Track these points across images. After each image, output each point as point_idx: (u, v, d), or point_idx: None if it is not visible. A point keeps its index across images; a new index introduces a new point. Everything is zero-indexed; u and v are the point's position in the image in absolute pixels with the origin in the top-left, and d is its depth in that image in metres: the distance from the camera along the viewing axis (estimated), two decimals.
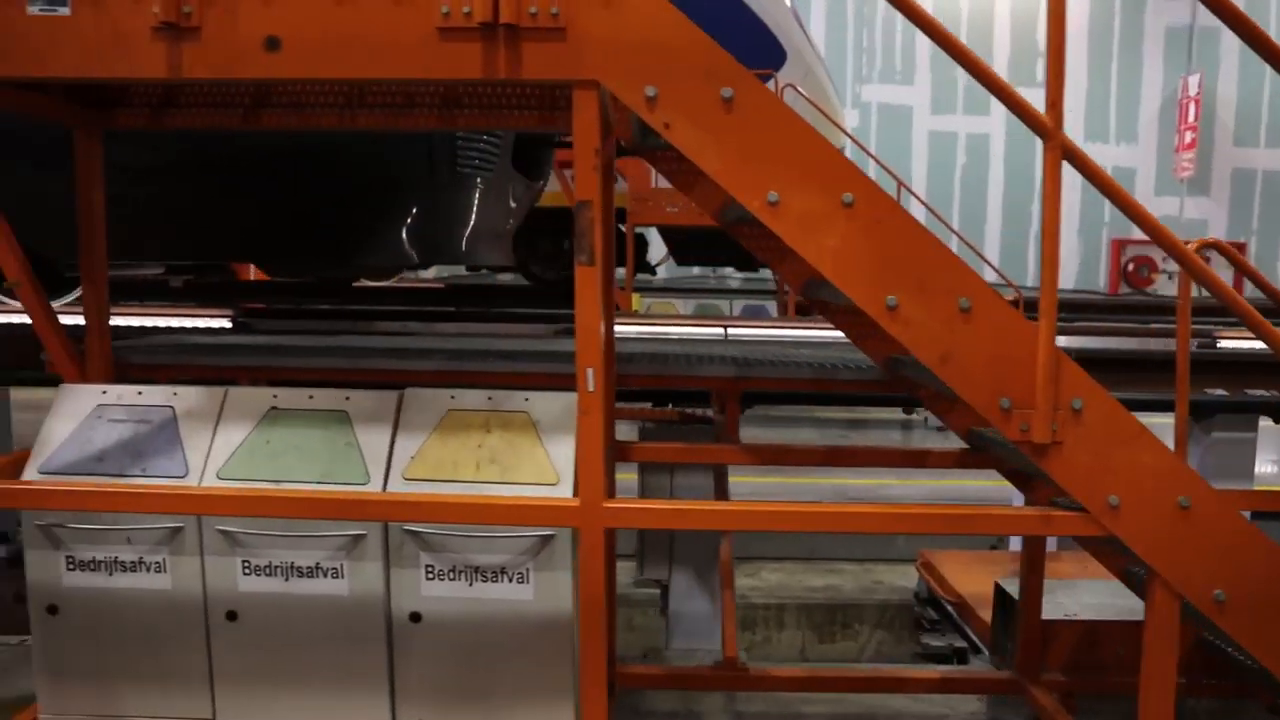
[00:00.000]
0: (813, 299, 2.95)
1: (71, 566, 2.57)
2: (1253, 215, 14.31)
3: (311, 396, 2.64)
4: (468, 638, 2.53)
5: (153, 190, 5.15)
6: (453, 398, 2.64)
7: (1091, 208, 13.91)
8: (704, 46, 2.21)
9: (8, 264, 2.94)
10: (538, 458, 2.53)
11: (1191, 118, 13.34)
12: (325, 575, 2.52)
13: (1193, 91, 13.33)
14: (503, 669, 2.54)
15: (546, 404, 2.62)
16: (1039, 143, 2.18)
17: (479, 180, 6.05)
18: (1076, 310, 10.77)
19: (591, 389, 2.26)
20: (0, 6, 2.24)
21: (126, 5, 2.23)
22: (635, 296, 10.35)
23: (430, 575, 2.52)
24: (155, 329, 5.89)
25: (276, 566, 2.53)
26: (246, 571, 2.53)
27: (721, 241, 11.55)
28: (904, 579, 7.10)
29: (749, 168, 2.22)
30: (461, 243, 6.18)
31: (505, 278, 13.38)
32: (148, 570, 2.55)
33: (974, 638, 5.66)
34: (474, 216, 6.14)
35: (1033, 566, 2.99)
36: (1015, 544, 6.91)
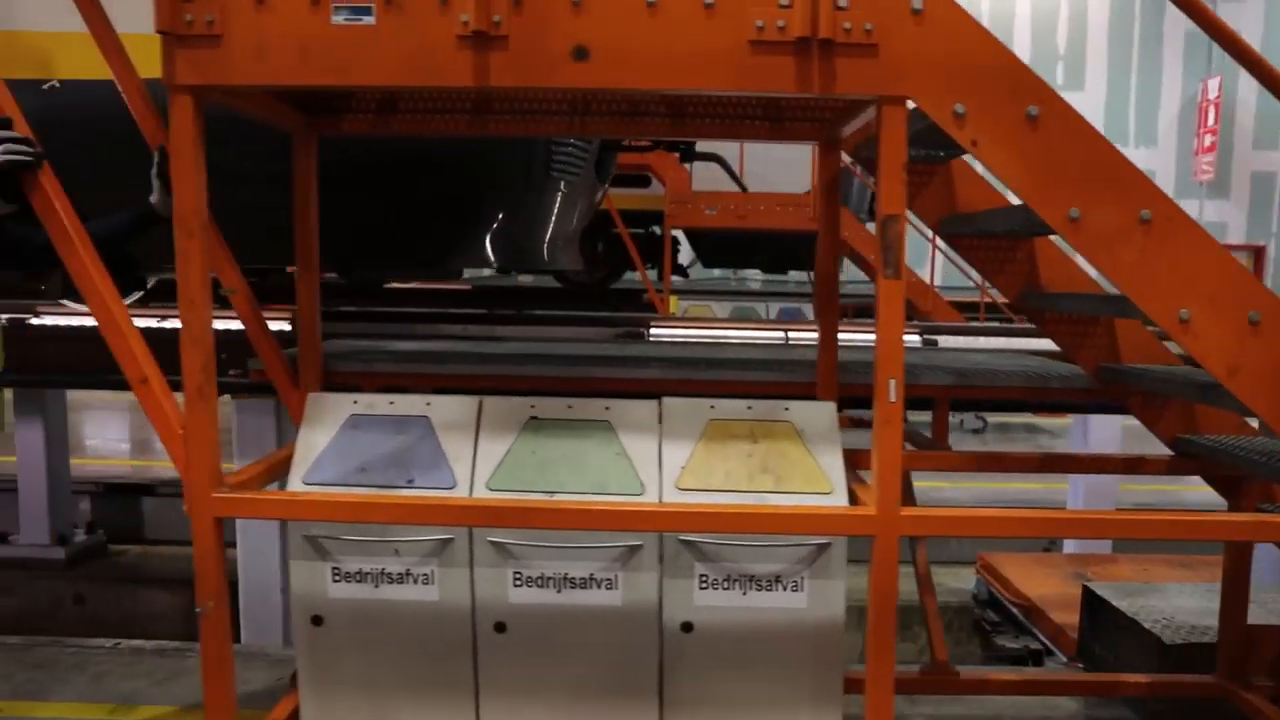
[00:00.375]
0: (1028, 309, 3.00)
1: (337, 578, 2.55)
2: (1272, 218, 14.62)
3: (570, 406, 2.64)
4: (738, 647, 2.54)
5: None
6: (712, 407, 2.65)
7: None
8: (1011, 64, 2.24)
9: (225, 272, 2.92)
10: (808, 467, 2.55)
11: (1211, 121, 13.61)
12: (599, 586, 2.52)
13: (1212, 95, 13.58)
14: (771, 677, 2.56)
15: (807, 413, 2.64)
16: None
17: (563, 185, 6.05)
18: None
19: (893, 399, 2.29)
20: (305, 17, 2.22)
21: (433, 15, 2.22)
22: (673, 299, 10.38)
23: (704, 585, 2.53)
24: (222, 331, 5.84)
25: (549, 578, 2.52)
26: (518, 583, 2.53)
27: (747, 244, 11.55)
28: (958, 580, 7.21)
29: (1052, 185, 2.26)
30: (543, 247, 6.19)
31: (526, 279, 13.33)
32: (415, 582, 2.54)
33: (1044, 640, 5.76)
34: (555, 221, 6.15)
35: (1238, 572, 3.07)
36: (1070, 546, 7.06)
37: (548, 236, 6.16)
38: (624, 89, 2.41)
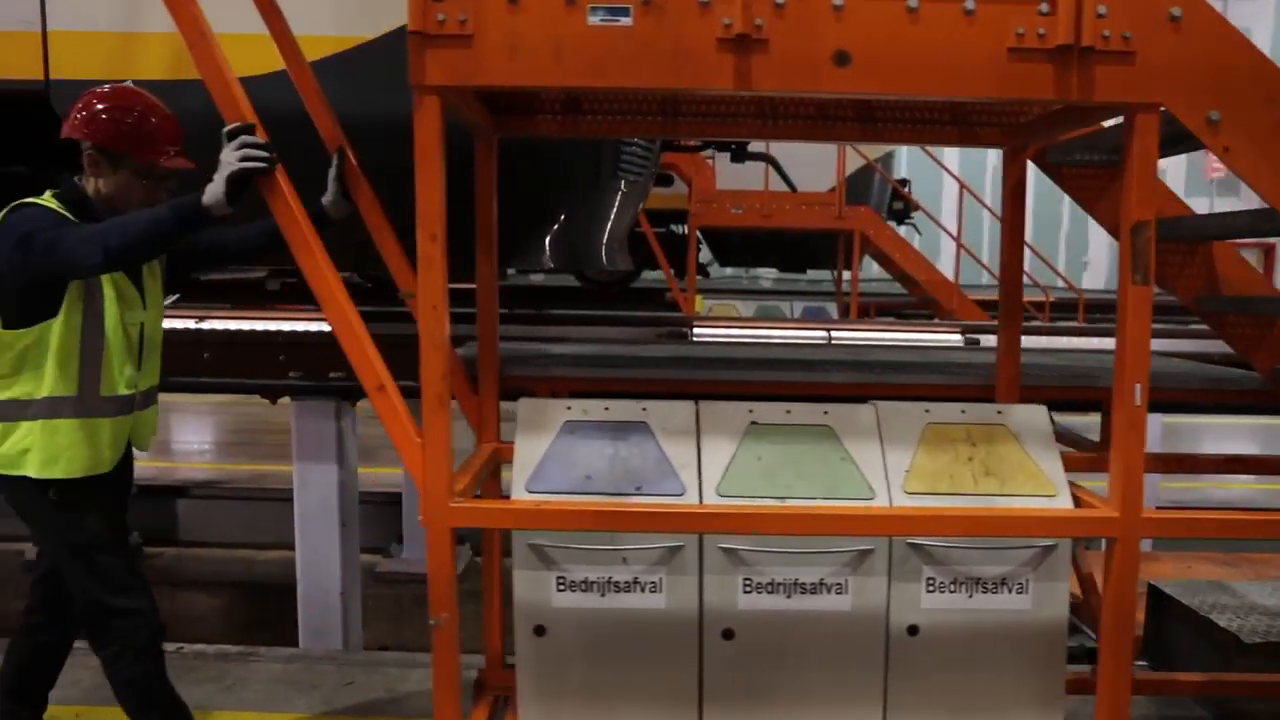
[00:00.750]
0: (1206, 312, 3.04)
1: (562, 587, 2.51)
2: None
3: (789, 411, 2.63)
4: (962, 649, 2.55)
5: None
6: (927, 411, 2.65)
7: None
8: (1266, 70, 2.26)
9: (404, 276, 2.88)
10: (1029, 469, 2.57)
11: None
12: (829, 591, 2.52)
13: None
14: (994, 678, 2.57)
15: (1022, 416, 2.65)
16: None
17: (623, 185, 6.02)
18: (1109, 310, 11.20)
19: (1138, 403, 2.32)
20: (560, 17, 2.19)
21: (692, 18, 2.19)
22: (698, 298, 10.38)
23: (931, 588, 2.54)
24: (263, 332, 5.78)
25: (779, 584, 2.51)
26: (747, 589, 2.51)
27: (763, 243, 11.51)
28: None
29: None
30: (601, 248, 6.16)
31: (536, 278, 13.24)
32: (642, 590, 2.51)
33: (1098, 638, 5.79)
34: (613, 221, 6.12)
35: None
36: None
37: (605, 237, 6.13)
38: (884, 95, 2.39)
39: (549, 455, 2.55)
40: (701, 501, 2.49)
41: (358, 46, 4.00)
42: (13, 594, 7.02)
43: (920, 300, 10.43)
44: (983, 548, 2.52)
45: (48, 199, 2.58)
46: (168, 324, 6.25)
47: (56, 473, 2.57)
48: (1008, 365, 3.03)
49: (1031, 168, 3.11)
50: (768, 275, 12.83)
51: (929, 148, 10.46)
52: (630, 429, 2.59)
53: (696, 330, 7.89)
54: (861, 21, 2.19)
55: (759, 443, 2.57)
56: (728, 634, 2.52)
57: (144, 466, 9.07)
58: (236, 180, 2.30)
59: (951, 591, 2.54)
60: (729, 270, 13.37)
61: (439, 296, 2.30)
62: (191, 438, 10.20)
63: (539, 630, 2.53)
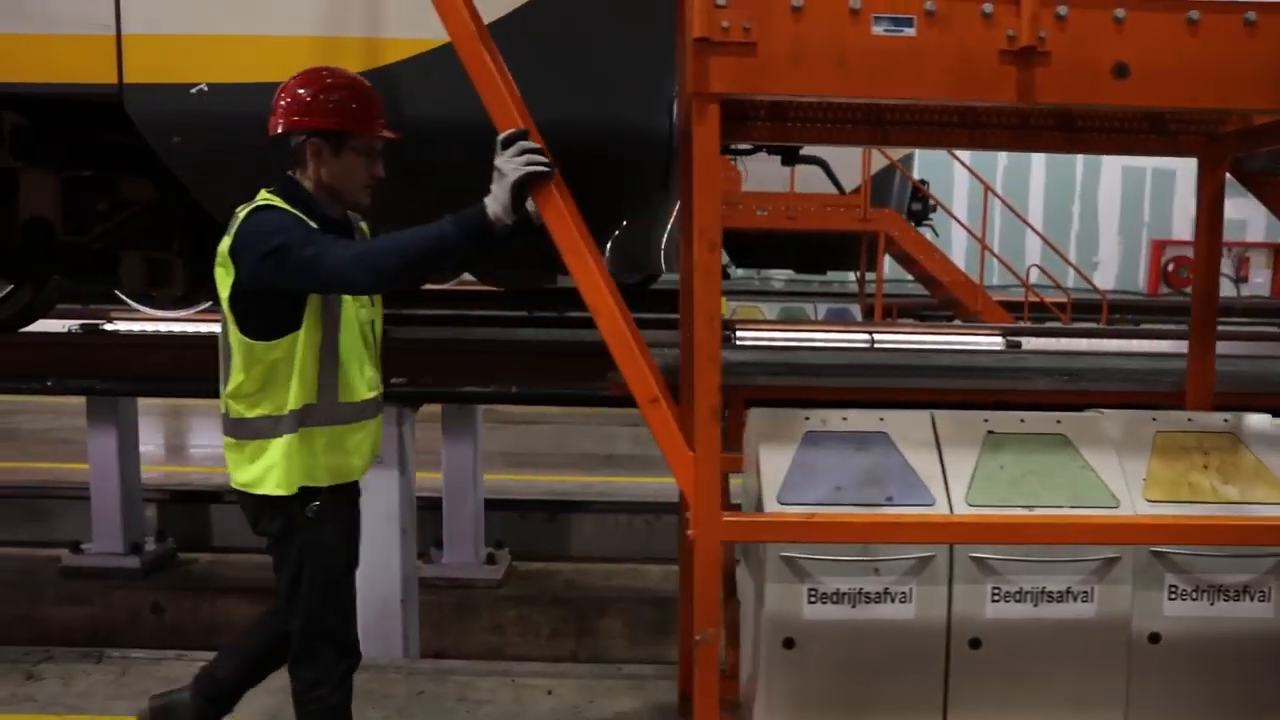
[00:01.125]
0: None
1: (813, 599, 2.50)
2: None
3: (1023, 420, 2.64)
4: (1203, 657, 2.57)
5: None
6: (1154, 419, 2.68)
7: (1132, 208, 14.55)
8: None
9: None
10: (1265, 476, 2.60)
11: None
12: (1075, 599, 2.52)
13: None
14: (1235, 687, 2.58)
15: (1249, 423, 2.69)
16: None
17: None
18: (1116, 310, 11.41)
19: None
20: (844, 26, 2.17)
21: (976, 29, 2.19)
22: (723, 300, 10.37)
23: (1173, 596, 2.56)
24: None
25: (1026, 592, 2.52)
26: (995, 598, 2.51)
27: (781, 244, 11.51)
28: None
29: None
30: (659, 251, 6.13)
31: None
32: (893, 600, 2.50)
33: None
34: (672, 225, 6.09)
35: None
36: None
37: (664, 241, 6.09)
38: (1159, 106, 2.41)
39: (795, 467, 2.53)
40: (952, 511, 2.49)
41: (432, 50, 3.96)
42: (50, 599, 6.85)
43: (942, 301, 10.54)
44: (1224, 555, 2.54)
45: (276, 200, 2.48)
46: (216, 328, 6.17)
47: (296, 485, 2.47)
48: (1201, 373, 3.06)
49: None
50: (779, 276, 12.88)
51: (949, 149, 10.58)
52: (871, 439, 2.58)
53: (739, 334, 7.85)
54: (1142, 33, 2.20)
55: (999, 452, 2.58)
56: (974, 643, 2.52)
57: (173, 472, 8.88)
58: (520, 187, 2.24)
59: (1194, 599, 2.56)
60: (740, 271, 13.41)
61: (716, 308, 2.27)
62: (216, 441, 9.97)
63: (788, 643, 2.51)
